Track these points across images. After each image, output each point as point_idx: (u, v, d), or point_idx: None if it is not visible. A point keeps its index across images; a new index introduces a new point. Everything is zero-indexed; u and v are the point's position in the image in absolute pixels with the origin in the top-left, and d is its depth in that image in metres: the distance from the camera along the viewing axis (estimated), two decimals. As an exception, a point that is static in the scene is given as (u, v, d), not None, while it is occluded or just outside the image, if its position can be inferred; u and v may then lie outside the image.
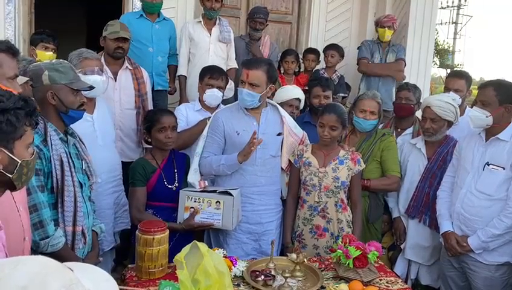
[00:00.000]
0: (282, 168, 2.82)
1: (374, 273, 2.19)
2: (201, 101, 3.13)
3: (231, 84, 4.02)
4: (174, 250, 2.06)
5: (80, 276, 0.73)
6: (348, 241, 2.22)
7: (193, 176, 2.69)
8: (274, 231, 2.77)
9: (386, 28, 4.53)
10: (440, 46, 22.44)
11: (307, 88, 3.72)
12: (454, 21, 26.88)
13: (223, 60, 4.07)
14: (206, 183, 2.64)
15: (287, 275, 2.06)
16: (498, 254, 2.52)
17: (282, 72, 4.46)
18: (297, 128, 2.88)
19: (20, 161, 1.37)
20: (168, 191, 2.64)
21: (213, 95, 3.06)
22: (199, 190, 2.60)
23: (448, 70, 16.92)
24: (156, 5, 3.91)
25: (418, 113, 3.34)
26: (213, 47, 4.02)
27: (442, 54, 23.08)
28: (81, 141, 2.24)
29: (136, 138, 3.40)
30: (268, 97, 2.82)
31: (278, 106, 2.86)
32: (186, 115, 3.09)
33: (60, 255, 1.94)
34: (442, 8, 25.14)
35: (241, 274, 2.13)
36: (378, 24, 4.59)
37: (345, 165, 2.69)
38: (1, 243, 1.28)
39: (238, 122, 2.68)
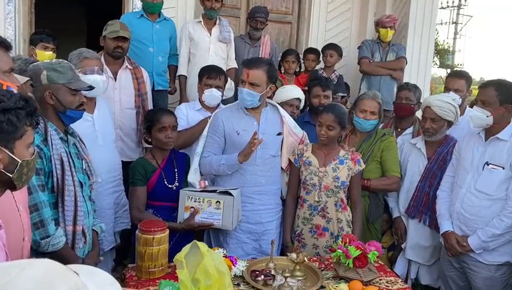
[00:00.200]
0: (282, 168, 2.83)
1: (373, 273, 2.19)
2: (201, 101, 3.14)
3: (231, 84, 4.03)
4: (174, 250, 2.06)
5: (85, 280, 0.73)
6: (348, 241, 2.23)
7: (193, 176, 2.70)
8: (274, 230, 2.77)
9: (388, 29, 4.54)
10: (440, 46, 22.43)
11: (306, 88, 3.72)
12: (454, 21, 26.87)
13: (223, 59, 4.07)
14: (206, 183, 2.64)
15: (287, 274, 2.06)
16: (498, 253, 2.52)
17: (282, 72, 4.46)
18: (297, 128, 2.88)
19: (20, 161, 1.37)
20: (168, 191, 2.64)
21: (211, 95, 3.06)
22: (199, 189, 2.60)
23: (448, 71, 16.93)
24: (156, 5, 3.91)
25: (418, 113, 3.34)
26: (213, 47, 4.02)
27: (442, 54, 23.07)
28: (81, 141, 2.24)
29: (136, 138, 3.40)
30: (268, 97, 2.82)
31: (277, 105, 2.86)
32: (187, 114, 3.09)
33: (61, 255, 1.94)
34: (442, 8, 25.14)
35: (241, 274, 2.13)
36: (379, 24, 4.59)
37: (345, 165, 2.70)
38: (1, 242, 1.28)
39: (238, 122, 2.68)
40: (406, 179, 3.08)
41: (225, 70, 4.00)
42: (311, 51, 4.65)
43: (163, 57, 3.99)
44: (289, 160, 2.80)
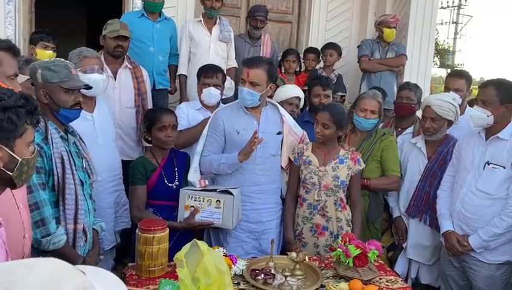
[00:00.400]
0: (282, 167, 2.83)
1: (373, 272, 2.19)
2: (201, 100, 3.14)
3: (231, 83, 4.03)
4: (174, 249, 2.06)
5: (91, 279, 0.73)
6: (348, 240, 2.23)
7: (193, 175, 2.70)
8: (274, 229, 2.77)
9: (393, 29, 4.55)
10: (440, 46, 22.43)
11: (306, 88, 3.72)
12: (454, 21, 26.87)
13: (223, 59, 4.07)
14: (207, 182, 2.64)
15: (287, 273, 2.06)
16: (499, 253, 2.52)
17: (283, 71, 4.46)
18: (296, 127, 2.88)
19: (20, 159, 1.38)
20: (169, 190, 2.64)
21: (210, 94, 3.06)
22: (199, 189, 2.60)
23: (449, 70, 16.91)
24: (158, 5, 3.92)
25: (419, 113, 3.34)
26: (213, 46, 4.02)
27: (443, 54, 23.07)
28: (82, 140, 2.24)
29: (136, 137, 3.40)
30: (268, 96, 2.82)
31: (277, 105, 2.87)
32: (187, 113, 3.10)
33: (62, 253, 1.94)
34: (442, 8, 25.15)
35: (241, 273, 2.13)
36: (383, 24, 4.58)
37: (344, 165, 2.70)
38: (1, 240, 1.28)
39: (238, 121, 2.68)
40: (406, 178, 3.08)
41: (225, 69, 4.01)
42: (311, 50, 4.65)
43: (164, 57, 3.99)
44: (289, 159, 2.81)
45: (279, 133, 2.77)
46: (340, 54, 4.62)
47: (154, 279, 2.05)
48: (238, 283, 2.07)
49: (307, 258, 2.19)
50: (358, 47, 4.74)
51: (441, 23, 25.34)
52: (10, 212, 1.56)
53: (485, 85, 2.60)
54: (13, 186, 1.42)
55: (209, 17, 4.04)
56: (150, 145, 2.81)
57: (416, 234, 3.04)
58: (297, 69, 4.55)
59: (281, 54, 4.58)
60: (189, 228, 2.52)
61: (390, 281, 2.19)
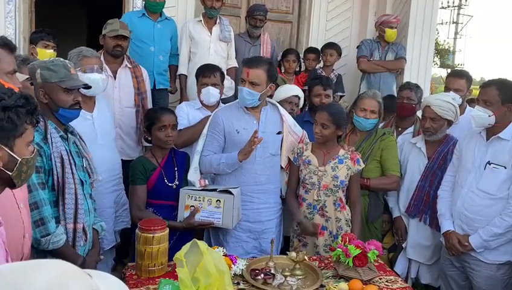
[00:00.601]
0: (282, 167, 2.83)
1: (373, 272, 2.19)
2: (200, 100, 3.14)
3: (232, 83, 4.03)
4: (174, 248, 2.06)
5: (98, 282, 0.73)
6: (347, 240, 2.22)
7: (193, 175, 2.70)
8: (274, 229, 2.77)
9: (394, 29, 4.55)
10: (440, 46, 22.43)
11: (306, 88, 3.72)
12: (454, 21, 26.89)
13: (223, 59, 4.07)
14: (207, 182, 2.64)
15: (286, 273, 2.05)
16: (499, 253, 2.52)
17: (282, 71, 4.46)
18: (296, 127, 2.88)
19: (20, 159, 1.38)
20: (169, 190, 2.64)
21: (208, 94, 3.06)
22: (199, 188, 2.60)
23: (449, 70, 16.91)
24: (159, 4, 3.92)
25: (419, 113, 3.34)
26: (213, 46, 4.02)
27: (443, 54, 23.07)
28: (82, 139, 2.24)
29: (136, 136, 3.40)
30: (268, 96, 2.83)
31: (277, 104, 2.87)
32: (187, 112, 3.10)
33: (61, 253, 1.94)
34: (442, 7, 25.16)
35: (241, 273, 2.13)
36: (385, 24, 4.58)
37: (344, 165, 2.70)
38: (1, 239, 1.28)
39: (238, 121, 2.68)
40: (406, 178, 3.08)
41: (225, 69, 4.02)
42: (311, 50, 4.65)
43: (164, 56, 3.99)
44: (289, 159, 2.81)
45: (279, 133, 2.77)
46: (340, 54, 4.62)
47: (154, 279, 2.05)
48: (238, 283, 2.07)
49: (306, 258, 2.19)
50: (357, 47, 4.74)
51: (441, 23, 25.37)
52: (10, 211, 1.56)
53: (487, 85, 2.59)
54: (12, 186, 1.42)
55: (209, 17, 4.04)
56: (150, 144, 2.81)
57: (416, 234, 3.04)
58: (297, 69, 4.55)
59: (281, 53, 4.58)
60: (189, 227, 2.52)
61: (390, 281, 2.19)
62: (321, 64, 4.65)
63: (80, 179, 2.09)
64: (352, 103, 3.28)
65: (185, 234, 2.53)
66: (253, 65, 2.60)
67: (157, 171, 2.64)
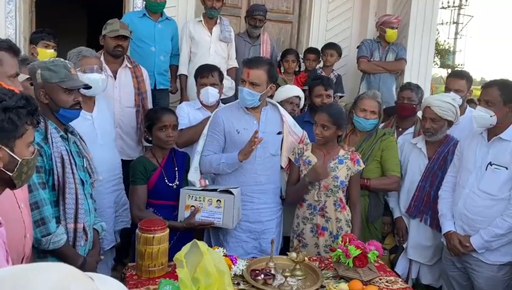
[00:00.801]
0: (282, 167, 2.83)
1: (373, 272, 2.19)
2: (200, 100, 3.15)
3: (232, 83, 4.03)
4: (174, 249, 2.06)
5: (99, 286, 0.73)
6: (348, 240, 2.23)
7: (193, 175, 2.71)
8: (274, 229, 2.77)
9: (395, 29, 4.54)
10: (441, 46, 22.44)
11: (306, 88, 3.72)
12: (455, 21, 26.90)
13: (223, 59, 4.07)
14: (207, 182, 2.64)
15: (287, 274, 2.05)
16: (501, 253, 2.52)
17: (282, 71, 4.46)
18: (296, 127, 2.88)
19: (20, 160, 1.38)
20: (169, 190, 2.65)
21: (207, 94, 3.06)
22: (200, 188, 2.61)
23: (449, 71, 16.92)
24: (160, 5, 3.92)
25: (419, 113, 3.34)
26: (214, 46, 4.02)
27: (443, 54, 23.08)
28: (82, 139, 2.24)
29: (136, 136, 3.40)
30: (268, 96, 2.83)
31: (278, 105, 2.87)
32: (188, 112, 3.11)
33: (62, 252, 1.95)
34: (443, 8, 25.16)
35: (241, 273, 2.13)
36: (386, 24, 4.57)
37: (344, 165, 2.70)
38: (1, 240, 1.28)
39: (238, 121, 2.68)
40: (406, 178, 3.08)
41: (226, 69, 4.02)
42: (311, 50, 4.65)
43: (165, 56, 3.99)
44: (289, 159, 2.81)
45: (279, 133, 2.77)
46: (340, 54, 4.62)
47: (154, 279, 2.05)
48: (238, 283, 2.07)
49: (306, 258, 2.19)
50: (357, 47, 4.73)
51: (442, 23, 25.39)
52: (11, 212, 1.56)
53: (488, 85, 2.59)
54: (13, 186, 1.42)
55: (210, 17, 4.04)
56: (150, 144, 2.81)
57: (416, 235, 3.04)
58: (297, 69, 4.55)
59: (280, 53, 4.58)
60: (190, 227, 2.52)
61: (390, 282, 2.19)
62: (321, 64, 4.65)
63: (81, 179, 2.09)
64: (352, 103, 3.28)
65: (185, 234, 2.54)
66: (254, 66, 2.60)
67: (157, 171, 2.64)
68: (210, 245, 2.50)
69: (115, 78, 3.31)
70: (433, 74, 6.97)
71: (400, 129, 3.46)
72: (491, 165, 2.53)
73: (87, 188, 2.15)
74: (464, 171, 2.67)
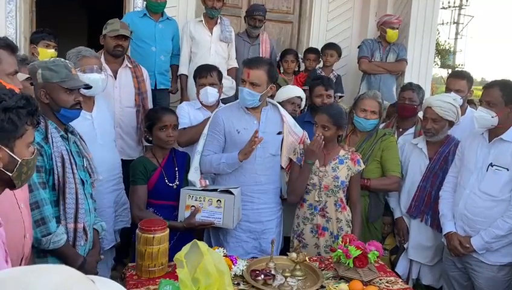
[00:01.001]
0: (282, 167, 2.83)
1: (374, 273, 2.19)
2: (199, 100, 3.15)
3: (232, 83, 4.03)
4: (174, 249, 2.06)
5: (100, 289, 0.73)
6: (348, 240, 2.22)
7: (194, 175, 2.71)
8: (274, 229, 2.77)
9: (396, 30, 4.54)
10: (441, 47, 22.43)
11: (306, 88, 3.72)
12: (455, 21, 26.92)
13: (224, 59, 4.07)
14: (207, 182, 2.64)
15: (287, 274, 2.05)
16: (501, 254, 2.52)
17: (281, 71, 4.46)
18: (297, 127, 2.88)
19: (20, 160, 1.38)
20: (169, 190, 2.65)
21: (206, 94, 3.07)
22: (200, 188, 2.60)
23: (450, 71, 16.92)
24: (161, 5, 3.92)
25: (420, 114, 3.33)
26: (214, 46, 4.02)
27: (444, 54, 23.07)
28: (82, 139, 2.24)
29: (136, 136, 3.40)
30: (269, 96, 2.83)
31: (278, 105, 2.87)
32: (188, 112, 3.11)
33: (62, 252, 1.95)
34: (443, 8, 25.19)
35: (241, 273, 2.13)
36: (386, 25, 4.57)
37: (344, 165, 2.70)
38: (1, 240, 1.28)
39: (238, 121, 2.68)
40: (407, 179, 3.07)
41: (226, 69, 4.01)
42: (312, 50, 4.64)
43: (166, 56, 3.99)
44: (289, 159, 2.80)
45: (279, 133, 2.77)
46: (340, 55, 4.62)
47: (154, 279, 2.04)
48: (238, 284, 2.07)
49: (307, 258, 2.19)
50: (358, 47, 4.73)
51: (442, 24, 25.40)
52: (11, 212, 1.56)
53: (490, 86, 2.58)
54: (12, 186, 1.42)
55: (210, 17, 4.04)
56: (150, 144, 2.81)
57: (417, 235, 3.03)
58: (296, 69, 4.55)
59: (280, 53, 4.58)
60: (190, 227, 2.52)
61: (391, 282, 2.19)
62: (321, 64, 4.64)
63: (81, 178, 2.09)
64: (352, 103, 3.28)
65: (185, 234, 2.53)
66: (254, 66, 2.60)
67: (157, 171, 2.64)
68: (210, 245, 2.50)
69: (115, 78, 3.31)
70: (433, 74, 6.97)
71: (401, 129, 3.46)
72: (492, 166, 2.52)
73: (87, 188, 2.15)
74: (464, 172, 2.66)
